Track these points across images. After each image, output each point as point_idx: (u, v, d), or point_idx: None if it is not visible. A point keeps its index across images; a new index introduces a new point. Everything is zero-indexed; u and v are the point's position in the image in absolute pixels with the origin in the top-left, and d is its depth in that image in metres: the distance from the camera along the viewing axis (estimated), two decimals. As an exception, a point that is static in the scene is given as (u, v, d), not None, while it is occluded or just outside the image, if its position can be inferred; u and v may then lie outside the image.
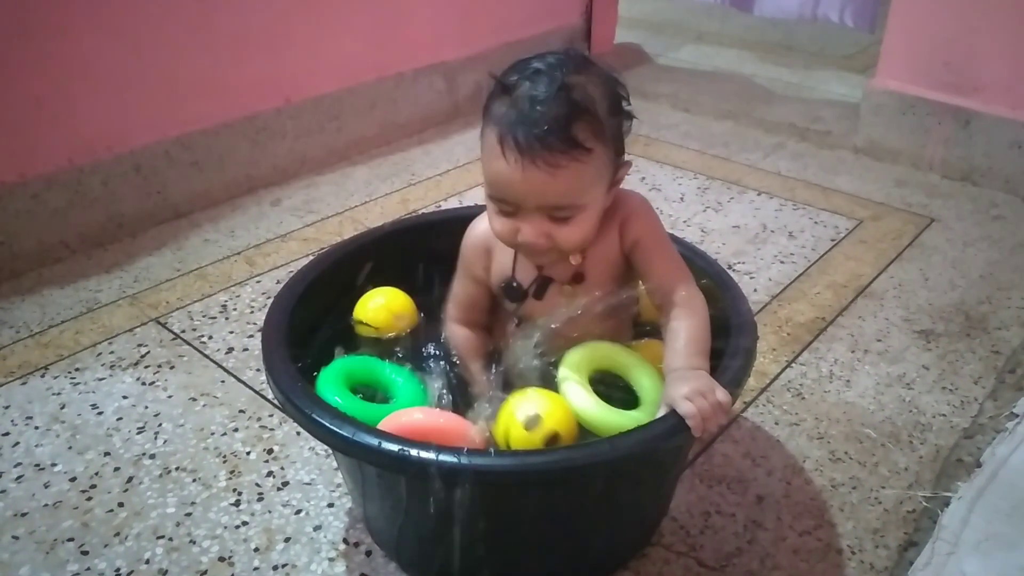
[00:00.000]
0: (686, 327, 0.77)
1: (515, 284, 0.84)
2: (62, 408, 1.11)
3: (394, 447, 0.67)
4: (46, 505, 0.96)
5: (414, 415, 0.77)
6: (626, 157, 0.81)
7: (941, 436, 1.07)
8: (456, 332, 0.90)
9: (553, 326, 0.81)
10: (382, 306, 0.93)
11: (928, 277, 1.42)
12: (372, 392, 0.84)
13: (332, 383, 0.80)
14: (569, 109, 0.71)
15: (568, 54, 0.76)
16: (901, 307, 1.34)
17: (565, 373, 0.79)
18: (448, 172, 1.80)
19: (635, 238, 0.82)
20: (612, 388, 0.82)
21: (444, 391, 0.83)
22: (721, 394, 0.70)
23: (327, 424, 0.70)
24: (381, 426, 0.74)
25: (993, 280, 1.41)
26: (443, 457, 0.67)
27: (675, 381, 0.72)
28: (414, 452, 0.67)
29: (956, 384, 1.16)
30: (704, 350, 0.76)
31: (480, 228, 0.87)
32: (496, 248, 0.85)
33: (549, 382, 0.80)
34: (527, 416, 0.74)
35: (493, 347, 0.90)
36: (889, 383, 1.16)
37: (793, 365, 1.20)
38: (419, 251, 0.99)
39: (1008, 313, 1.32)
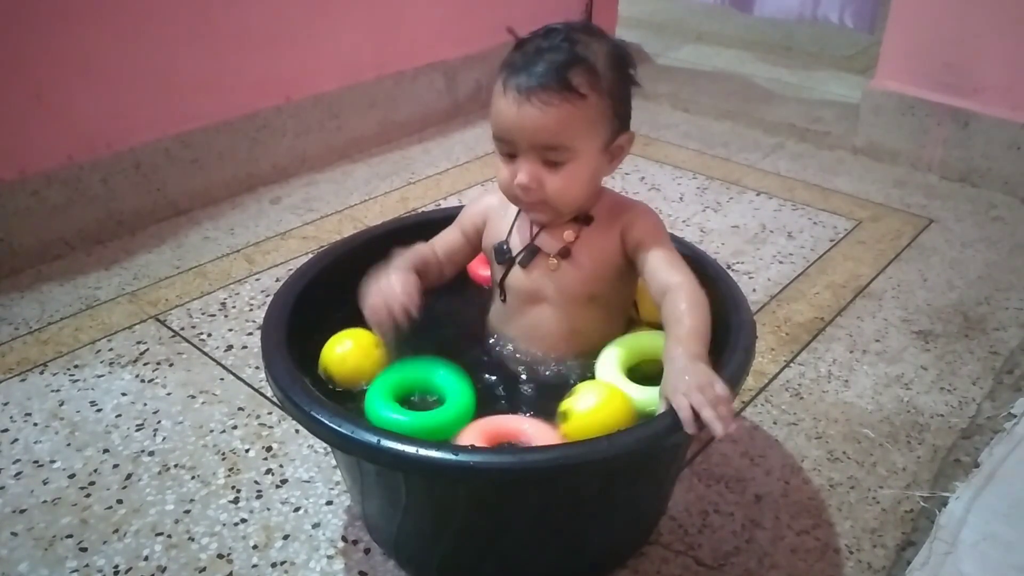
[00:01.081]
0: (689, 317, 0.77)
1: (506, 247, 0.88)
2: (61, 405, 1.11)
3: (392, 444, 0.67)
4: (45, 502, 0.96)
5: (499, 422, 0.78)
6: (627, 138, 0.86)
7: (939, 436, 1.07)
8: (421, 246, 0.92)
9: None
10: (357, 342, 0.86)
11: (927, 278, 1.43)
12: (423, 396, 0.82)
13: (380, 399, 0.78)
14: (568, 57, 0.77)
15: (585, 26, 0.82)
16: (900, 307, 1.34)
17: (603, 366, 0.83)
18: (448, 171, 1.80)
19: (638, 240, 0.84)
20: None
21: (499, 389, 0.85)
22: (720, 387, 0.69)
23: (326, 422, 0.70)
24: (464, 432, 0.75)
25: (991, 281, 1.42)
26: (441, 454, 0.67)
27: (673, 372, 0.72)
28: (411, 449, 0.67)
29: (954, 384, 1.16)
30: (705, 341, 0.76)
31: (485, 199, 0.93)
32: (493, 218, 0.91)
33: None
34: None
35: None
36: (887, 383, 1.17)
37: (792, 365, 1.20)
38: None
39: (1006, 314, 1.32)
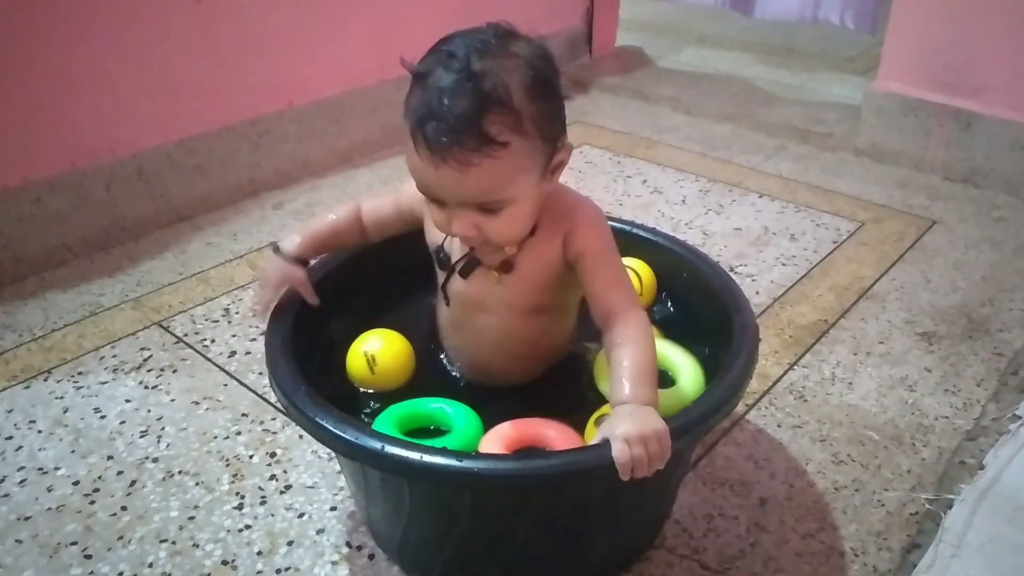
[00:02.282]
0: (630, 355, 0.73)
1: (443, 254, 0.84)
2: (65, 412, 1.11)
3: (397, 451, 0.67)
4: (49, 509, 0.96)
5: (520, 427, 0.77)
6: (567, 142, 0.76)
7: (944, 438, 1.07)
8: (344, 210, 0.90)
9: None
10: (388, 344, 0.89)
11: (930, 279, 1.42)
12: (428, 429, 0.81)
13: (387, 430, 0.77)
14: (478, 101, 0.67)
15: (493, 31, 0.71)
16: (903, 309, 1.34)
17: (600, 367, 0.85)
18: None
19: (580, 250, 0.79)
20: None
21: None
22: (663, 441, 0.66)
23: (331, 428, 0.70)
24: (485, 439, 0.76)
25: (995, 282, 1.41)
26: (445, 461, 0.67)
27: (619, 416, 0.68)
28: (416, 455, 0.67)
29: (958, 386, 1.16)
30: (651, 379, 0.72)
31: None
32: (427, 203, 0.79)
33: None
34: None
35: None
36: (891, 385, 1.16)
37: (795, 367, 1.20)
38: (425, 254, 0.99)
39: (1010, 315, 1.32)
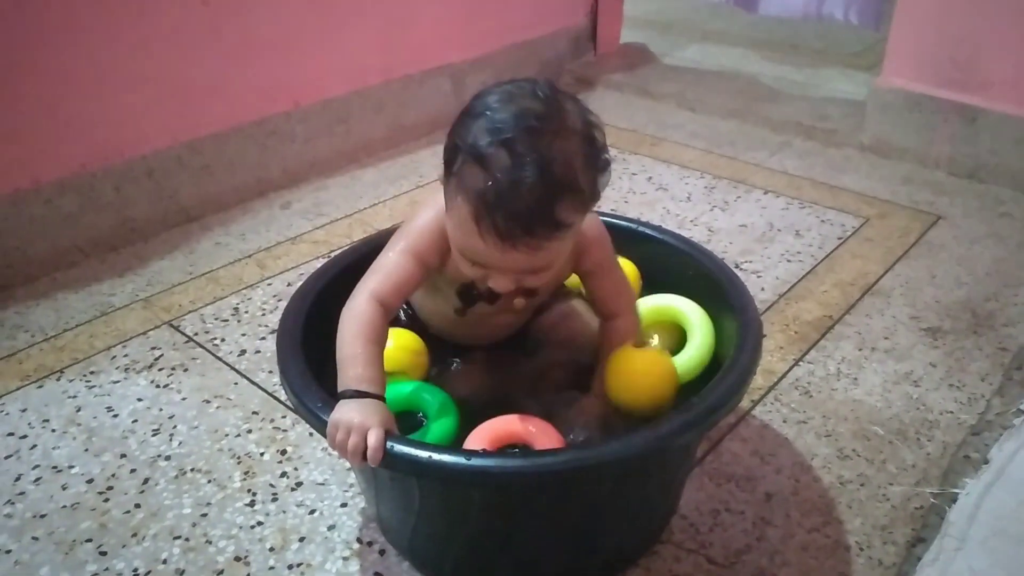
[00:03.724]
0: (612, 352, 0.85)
1: (474, 291, 0.82)
2: (78, 411, 1.13)
3: (407, 450, 0.69)
4: (64, 507, 0.97)
5: (503, 424, 0.79)
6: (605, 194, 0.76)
7: (948, 433, 1.07)
8: (364, 315, 0.76)
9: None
10: (394, 347, 0.88)
11: (935, 275, 1.43)
12: (412, 414, 0.84)
13: None
14: (550, 190, 0.66)
15: (541, 97, 0.69)
16: (908, 305, 1.34)
17: None
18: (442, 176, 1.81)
19: (591, 267, 0.86)
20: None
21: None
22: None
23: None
24: (471, 437, 0.77)
25: (1000, 277, 1.42)
26: (454, 459, 0.68)
27: (584, 402, 0.83)
28: (424, 455, 0.68)
29: (963, 381, 1.17)
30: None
31: (433, 218, 0.79)
32: (456, 254, 0.78)
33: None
34: None
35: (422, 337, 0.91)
36: (896, 381, 1.17)
37: (801, 363, 1.20)
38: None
39: (1015, 310, 1.33)
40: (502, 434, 0.79)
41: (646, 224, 1.06)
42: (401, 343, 0.90)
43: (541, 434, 0.78)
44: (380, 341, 0.76)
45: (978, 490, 0.94)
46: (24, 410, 1.13)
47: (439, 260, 0.80)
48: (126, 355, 1.24)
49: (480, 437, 0.78)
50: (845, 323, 1.30)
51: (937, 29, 1.73)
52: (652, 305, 0.96)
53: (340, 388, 0.73)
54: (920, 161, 1.83)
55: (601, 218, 1.05)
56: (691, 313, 0.93)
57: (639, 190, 1.73)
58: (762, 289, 1.38)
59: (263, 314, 1.33)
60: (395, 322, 0.90)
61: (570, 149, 0.68)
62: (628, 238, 1.03)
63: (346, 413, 0.69)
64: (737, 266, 1.44)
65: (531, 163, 0.65)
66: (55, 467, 1.03)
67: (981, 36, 1.68)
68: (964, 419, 1.10)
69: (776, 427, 1.08)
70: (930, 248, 1.51)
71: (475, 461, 0.68)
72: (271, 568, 0.89)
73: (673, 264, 1.00)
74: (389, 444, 0.69)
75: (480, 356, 0.93)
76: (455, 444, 0.79)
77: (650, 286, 1.01)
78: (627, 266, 1.01)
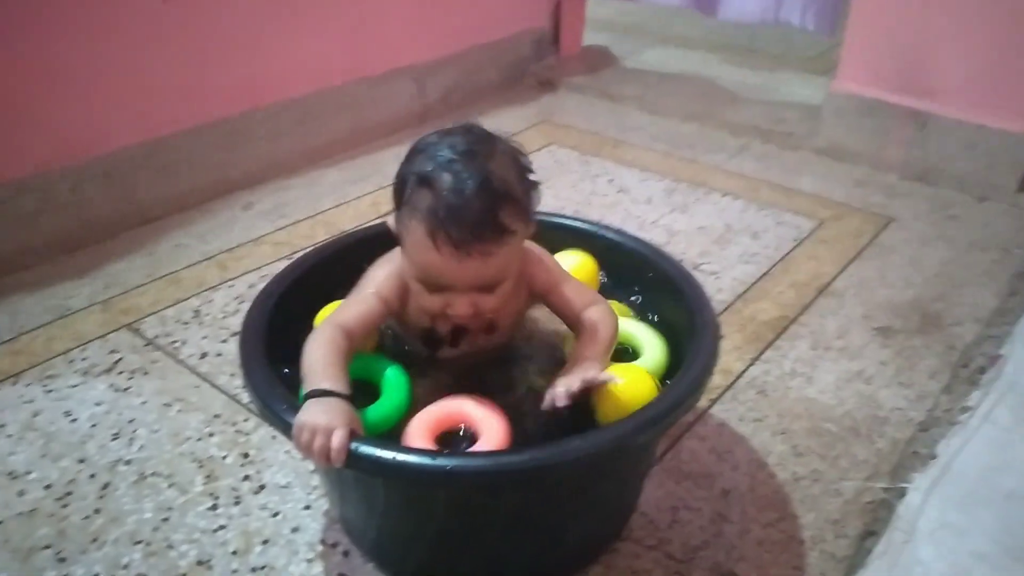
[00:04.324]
0: (586, 344, 0.85)
1: (433, 334, 0.86)
2: (35, 416, 1.11)
3: (371, 451, 0.69)
4: (21, 513, 0.96)
5: (445, 408, 0.80)
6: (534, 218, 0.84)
7: (898, 429, 1.11)
8: (327, 334, 0.80)
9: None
10: None
11: (886, 276, 1.47)
12: (367, 385, 0.83)
13: None
14: (494, 199, 0.75)
15: (473, 134, 0.79)
16: (860, 305, 1.38)
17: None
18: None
19: (541, 289, 0.89)
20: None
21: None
22: (593, 373, 0.77)
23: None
24: (411, 425, 0.77)
25: (948, 278, 1.46)
26: (419, 460, 0.69)
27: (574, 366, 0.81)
28: (389, 455, 0.69)
29: (912, 379, 1.21)
30: (600, 360, 0.83)
31: (395, 264, 0.86)
32: (416, 290, 0.83)
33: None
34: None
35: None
36: (849, 379, 1.20)
37: (757, 363, 1.23)
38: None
39: (962, 310, 1.37)
40: (445, 418, 0.79)
41: (607, 227, 1.08)
42: None
43: (486, 418, 0.78)
44: (343, 359, 0.79)
45: (926, 485, 0.98)
46: (-21, 415, 1.11)
47: (399, 304, 0.86)
48: (84, 358, 1.22)
49: (423, 421, 0.78)
50: (800, 323, 1.33)
51: (889, 36, 1.78)
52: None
53: (305, 392, 0.74)
54: (873, 165, 1.88)
55: (562, 220, 1.08)
56: (642, 335, 0.93)
57: (600, 192, 1.75)
58: (720, 290, 1.41)
59: (225, 316, 1.33)
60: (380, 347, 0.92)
61: (504, 167, 0.78)
62: (589, 241, 1.05)
63: (312, 414, 0.71)
64: (696, 267, 1.47)
65: (472, 179, 0.74)
66: (11, 473, 1.02)
67: (931, 44, 1.73)
68: (913, 416, 1.13)
69: (733, 425, 1.11)
70: (882, 250, 1.56)
71: (440, 461, 0.69)
72: (234, 571, 0.89)
73: (632, 266, 1.02)
74: (354, 445, 0.69)
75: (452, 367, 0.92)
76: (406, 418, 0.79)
77: (610, 288, 1.02)
78: (585, 259, 1.03)
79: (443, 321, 0.84)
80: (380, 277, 0.86)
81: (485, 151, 0.77)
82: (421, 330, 0.87)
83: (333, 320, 0.82)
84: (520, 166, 0.80)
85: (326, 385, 0.74)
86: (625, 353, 0.93)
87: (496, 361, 0.90)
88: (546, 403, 0.77)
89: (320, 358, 0.77)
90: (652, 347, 0.91)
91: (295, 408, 0.73)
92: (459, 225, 0.73)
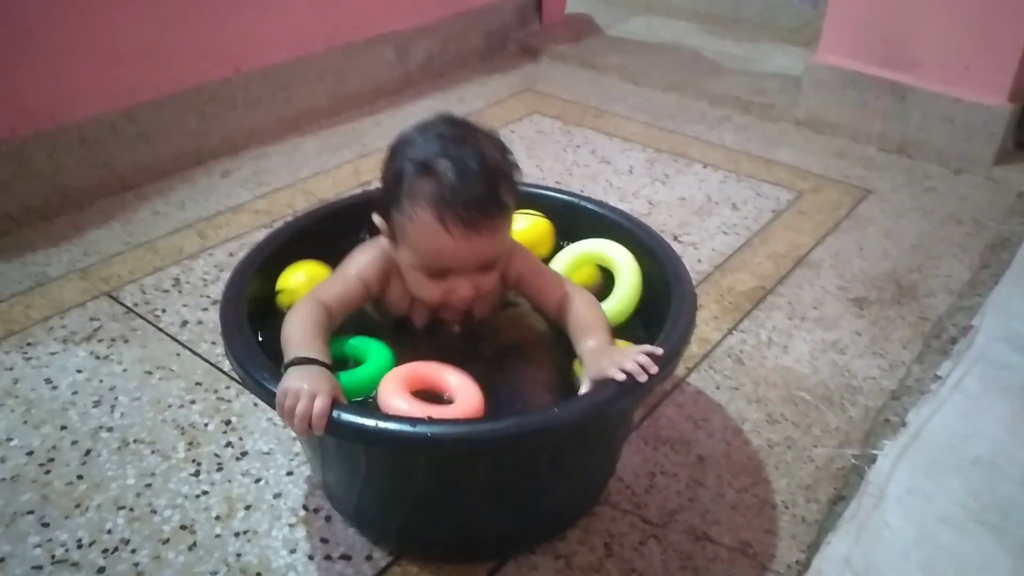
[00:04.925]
0: (586, 316, 0.86)
1: (408, 323, 0.89)
2: (15, 383, 1.11)
3: (352, 418, 0.70)
4: (3, 479, 0.97)
5: (421, 369, 0.81)
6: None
7: (871, 398, 1.13)
8: (307, 308, 0.82)
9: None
10: (305, 280, 0.93)
11: (863, 247, 1.49)
12: (344, 363, 0.84)
13: None
14: (492, 177, 0.79)
15: (456, 123, 0.82)
16: (837, 276, 1.40)
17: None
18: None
19: (518, 274, 0.90)
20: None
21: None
22: (638, 356, 0.76)
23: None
24: (387, 380, 0.78)
25: (923, 250, 1.49)
26: (400, 427, 0.70)
27: (596, 356, 0.79)
28: (371, 423, 0.70)
29: (886, 349, 1.23)
30: (608, 328, 0.85)
31: (377, 251, 0.87)
32: (394, 280, 0.87)
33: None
34: None
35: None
36: (824, 349, 1.23)
37: (734, 332, 1.25)
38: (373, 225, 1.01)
39: (936, 281, 1.40)
40: (420, 378, 0.80)
41: (587, 198, 1.08)
42: (312, 274, 0.94)
43: (462, 384, 0.79)
44: (324, 332, 0.80)
45: (895, 451, 1.00)
46: (-42, 382, 1.11)
47: (379, 289, 0.88)
48: (64, 326, 1.22)
49: (398, 378, 0.79)
50: (777, 293, 1.35)
51: (871, 9, 1.79)
52: (580, 251, 1.00)
53: (287, 360, 0.75)
54: (852, 137, 1.89)
55: (544, 191, 1.08)
56: (619, 257, 0.98)
57: (582, 163, 1.75)
58: (699, 261, 1.42)
59: (204, 284, 1.32)
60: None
61: (491, 148, 0.81)
62: (569, 212, 1.06)
63: (295, 380, 0.72)
64: (676, 238, 1.48)
65: (470, 160, 0.78)
66: (-8, 440, 1.02)
67: (912, 17, 1.74)
68: (885, 385, 1.16)
69: (709, 393, 1.13)
70: (859, 221, 1.57)
71: (420, 428, 0.70)
72: (217, 536, 0.90)
73: (612, 237, 1.03)
74: (336, 412, 0.70)
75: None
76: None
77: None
78: (538, 219, 1.04)
79: (424, 308, 0.87)
80: (363, 261, 0.87)
81: (472, 136, 0.81)
82: (395, 319, 0.89)
83: (314, 295, 0.84)
84: (502, 147, 0.84)
85: (308, 354, 0.75)
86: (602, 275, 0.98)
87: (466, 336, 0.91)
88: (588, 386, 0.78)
89: (301, 330, 0.79)
90: (628, 276, 0.95)
91: (277, 376, 0.74)
92: (467, 205, 0.76)
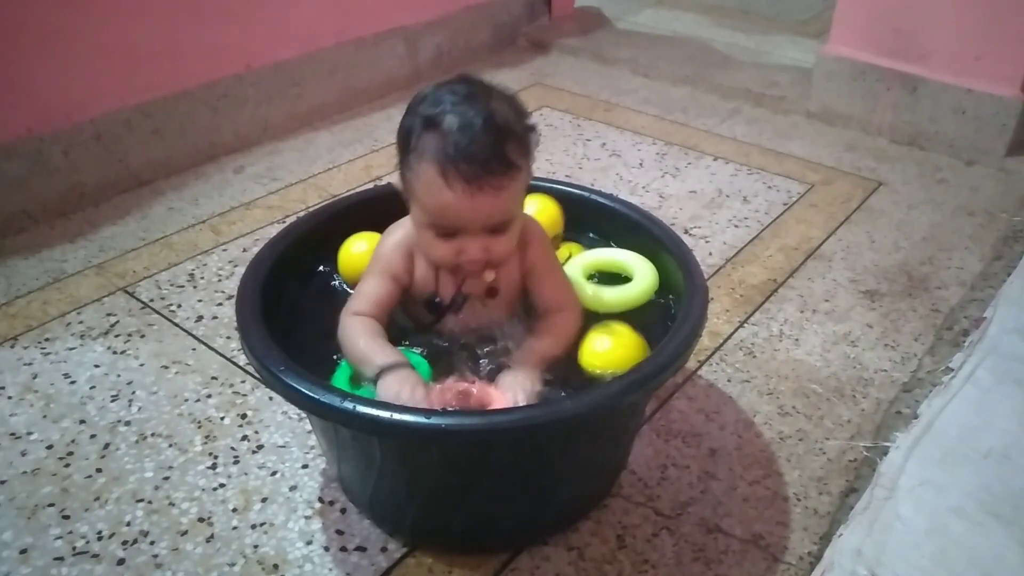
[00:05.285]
0: (548, 333, 0.88)
1: (438, 300, 0.89)
2: (34, 378, 1.12)
3: (368, 410, 0.71)
4: (24, 472, 0.98)
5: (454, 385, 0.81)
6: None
7: (882, 390, 1.13)
8: (357, 321, 0.86)
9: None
10: (367, 251, 0.95)
11: (874, 239, 1.49)
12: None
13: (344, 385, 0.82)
14: (499, 135, 0.77)
15: (471, 81, 0.82)
16: (848, 268, 1.40)
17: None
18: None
19: (532, 263, 0.90)
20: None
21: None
22: (526, 396, 0.80)
23: (307, 392, 0.73)
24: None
25: (935, 242, 1.48)
26: (414, 419, 0.71)
27: (514, 372, 0.83)
28: (386, 414, 0.71)
29: (897, 341, 1.23)
30: (546, 359, 0.86)
31: (400, 234, 0.90)
32: (418, 261, 0.89)
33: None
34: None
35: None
36: (835, 341, 1.23)
37: (745, 325, 1.25)
38: (387, 220, 1.02)
39: (948, 273, 1.39)
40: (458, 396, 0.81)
41: (598, 192, 1.09)
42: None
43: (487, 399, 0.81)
44: (381, 335, 0.85)
45: (907, 443, 1.00)
46: (-22, 377, 1.12)
47: (408, 276, 0.89)
48: (81, 322, 1.23)
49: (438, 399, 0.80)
50: (788, 286, 1.35)
51: (881, 0, 1.78)
52: (598, 258, 1.02)
53: (371, 374, 0.80)
54: (863, 128, 1.89)
55: (555, 185, 1.09)
56: (634, 263, 0.99)
57: (593, 156, 1.76)
58: (710, 254, 1.42)
59: (219, 280, 1.34)
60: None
61: (503, 107, 0.80)
62: (581, 205, 1.06)
63: (390, 387, 0.77)
64: (687, 231, 1.48)
65: (476, 117, 0.77)
66: (13, 434, 1.03)
67: (923, 8, 1.73)
68: (897, 377, 1.16)
69: (721, 386, 1.13)
70: (871, 213, 1.57)
71: (435, 420, 0.71)
72: (234, 528, 0.92)
73: (624, 231, 1.03)
74: (351, 404, 0.71)
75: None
76: None
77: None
78: (546, 202, 1.05)
79: (449, 280, 0.87)
80: (386, 253, 0.89)
81: (484, 93, 0.80)
82: (425, 297, 0.89)
83: (351, 310, 0.86)
84: (518, 108, 0.83)
85: (387, 360, 0.80)
86: (619, 278, 0.99)
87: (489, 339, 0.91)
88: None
89: (364, 342, 0.83)
90: (642, 273, 0.97)
91: (292, 370, 0.75)
92: (469, 161, 0.76)
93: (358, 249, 0.98)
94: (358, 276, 0.92)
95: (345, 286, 0.98)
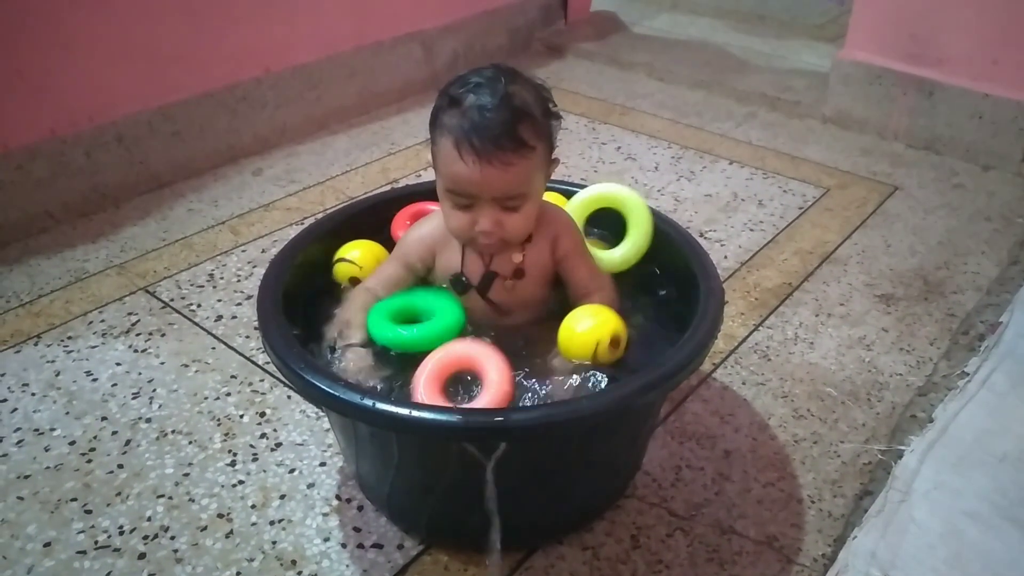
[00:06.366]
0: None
1: (464, 278, 0.92)
2: (57, 375, 1.14)
3: (386, 407, 0.72)
4: (48, 468, 1.00)
5: (456, 347, 0.83)
6: (556, 154, 0.91)
7: (897, 394, 1.14)
8: (361, 293, 0.93)
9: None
10: (367, 249, 0.99)
11: (890, 244, 1.49)
12: (416, 319, 0.88)
13: (380, 321, 0.86)
14: (513, 114, 0.82)
15: (500, 68, 0.86)
16: (863, 272, 1.40)
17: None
18: (427, 141, 1.82)
19: (564, 252, 0.93)
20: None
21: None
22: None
23: (327, 389, 0.74)
24: (428, 360, 0.81)
25: (951, 246, 1.48)
26: (433, 416, 0.72)
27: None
28: (404, 411, 0.72)
29: (913, 345, 1.23)
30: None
31: (426, 229, 0.95)
32: (443, 248, 0.93)
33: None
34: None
35: None
36: (850, 345, 1.23)
37: (760, 328, 1.26)
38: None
39: (964, 278, 1.39)
40: (452, 361, 0.82)
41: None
42: (374, 253, 0.98)
43: (488, 363, 0.81)
44: (366, 307, 0.90)
45: (922, 447, 1.00)
46: (3, 375, 1.14)
47: (421, 264, 0.94)
48: (103, 320, 1.25)
49: (430, 363, 0.81)
50: (803, 290, 1.35)
51: (897, 4, 1.78)
52: (594, 193, 1.03)
53: (341, 343, 0.87)
54: (879, 133, 1.88)
55: (569, 187, 1.10)
56: (630, 199, 1.01)
57: (608, 159, 1.76)
58: (725, 257, 1.43)
59: (238, 280, 1.35)
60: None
61: (523, 90, 0.85)
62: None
63: (347, 361, 0.85)
64: (702, 235, 1.49)
65: (493, 96, 0.82)
66: (37, 430, 1.05)
67: (939, 13, 1.73)
68: (912, 381, 1.16)
69: (736, 389, 1.14)
70: (886, 218, 1.57)
71: (452, 417, 0.72)
72: (253, 524, 0.93)
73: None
74: (370, 401, 0.72)
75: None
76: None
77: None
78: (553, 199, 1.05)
79: (478, 261, 0.91)
80: (408, 242, 0.95)
81: (508, 78, 0.85)
82: (450, 278, 0.93)
83: (366, 284, 0.94)
84: (541, 95, 0.87)
85: (355, 339, 0.87)
86: (615, 217, 1.01)
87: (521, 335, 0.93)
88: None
89: (353, 315, 0.89)
90: (639, 222, 0.99)
91: (317, 369, 0.76)
92: (480, 136, 0.81)
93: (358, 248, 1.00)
94: (361, 262, 0.97)
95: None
